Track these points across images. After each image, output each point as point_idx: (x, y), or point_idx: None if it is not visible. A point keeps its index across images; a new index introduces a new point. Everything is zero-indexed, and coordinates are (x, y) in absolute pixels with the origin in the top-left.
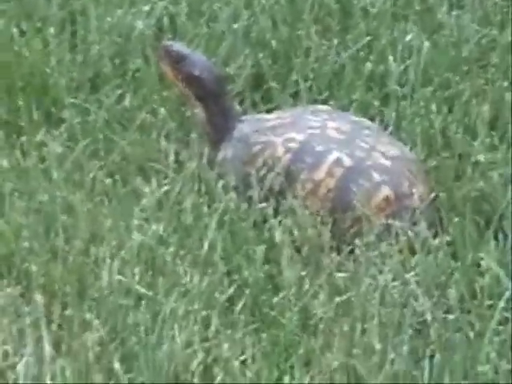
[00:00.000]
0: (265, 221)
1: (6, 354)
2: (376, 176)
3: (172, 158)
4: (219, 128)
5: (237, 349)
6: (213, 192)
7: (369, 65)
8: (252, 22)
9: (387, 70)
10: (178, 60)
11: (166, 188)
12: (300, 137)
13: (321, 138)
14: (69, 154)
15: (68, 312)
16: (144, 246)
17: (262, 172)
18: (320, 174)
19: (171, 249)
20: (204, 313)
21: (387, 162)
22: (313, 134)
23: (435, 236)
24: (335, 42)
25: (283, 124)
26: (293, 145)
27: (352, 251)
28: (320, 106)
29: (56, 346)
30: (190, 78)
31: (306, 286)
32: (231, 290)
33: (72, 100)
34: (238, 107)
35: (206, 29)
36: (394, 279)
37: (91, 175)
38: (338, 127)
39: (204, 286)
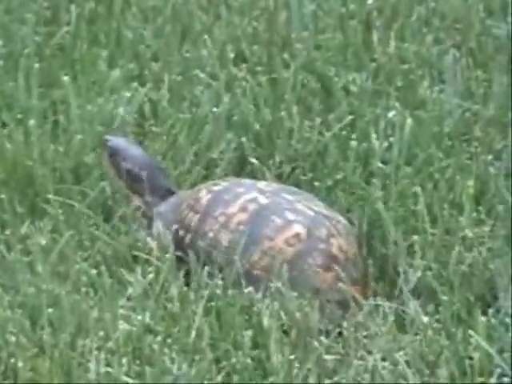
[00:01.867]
0: (251, 305)
1: None
2: (290, 215)
3: (154, 245)
4: (157, 207)
5: None
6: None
7: (352, 143)
8: (234, 105)
9: (370, 148)
10: (111, 154)
11: (150, 276)
12: (225, 184)
13: (245, 185)
14: (53, 245)
15: None
16: (131, 335)
17: (184, 213)
18: (233, 209)
19: (158, 337)
20: None
21: (309, 211)
22: (235, 184)
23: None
24: (318, 121)
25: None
26: (215, 188)
27: (340, 333)
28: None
29: None
30: (124, 171)
31: (295, 370)
32: (220, 378)
33: (55, 194)
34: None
35: (187, 114)
36: (383, 359)
37: (76, 267)
38: (268, 184)
39: (192, 374)
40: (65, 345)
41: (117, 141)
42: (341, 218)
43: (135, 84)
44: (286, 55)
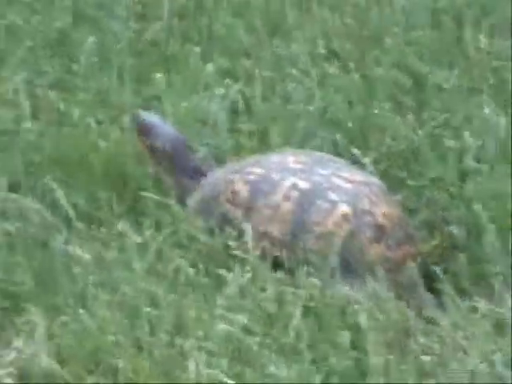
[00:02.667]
0: (348, 305)
1: None
2: (333, 195)
3: (251, 244)
4: (183, 186)
5: None
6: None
7: (446, 141)
8: (327, 102)
9: (464, 146)
10: (144, 131)
11: (248, 275)
12: (258, 170)
13: (276, 169)
14: (149, 244)
15: None
16: (229, 336)
17: (225, 207)
18: (276, 198)
19: (257, 338)
20: None
21: (346, 185)
22: (267, 167)
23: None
24: (411, 119)
25: (247, 163)
26: (251, 177)
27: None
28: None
29: None
30: (153, 149)
31: (393, 371)
32: (318, 379)
33: (151, 192)
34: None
35: (280, 110)
36: (481, 362)
37: (174, 265)
38: (297, 159)
39: (292, 375)
40: (164, 344)
41: (147, 117)
42: (374, 180)
43: (228, 80)
44: (377, 52)
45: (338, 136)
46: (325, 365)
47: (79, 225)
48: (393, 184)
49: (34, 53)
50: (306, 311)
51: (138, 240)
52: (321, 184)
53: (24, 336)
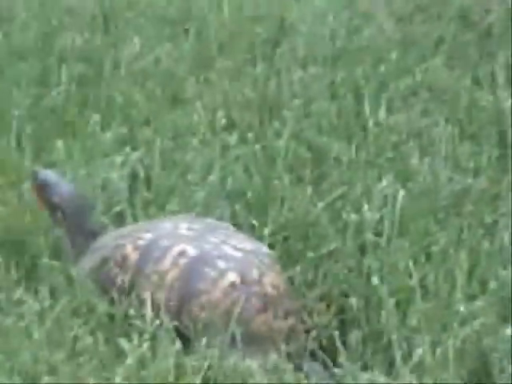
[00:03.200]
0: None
1: None
2: (221, 264)
3: (149, 312)
4: (79, 245)
5: None
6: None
7: (344, 214)
8: (227, 172)
9: (363, 219)
10: (42, 189)
11: (146, 345)
12: (148, 236)
13: (166, 234)
14: (48, 311)
15: None
16: None
17: (114, 272)
18: (164, 265)
19: None
20: None
21: (236, 253)
22: (158, 233)
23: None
24: (309, 191)
25: (138, 228)
26: (141, 242)
27: None
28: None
29: None
30: (51, 207)
31: None
32: None
33: (50, 259)
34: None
35: (180, 180)
36: None
37: (72, 334)
38: (190, 226)
39: None
40: None
41: (46, 174)
42: (264, 249)
43: (127, 148)
44: (276, 123)
45: (238, 207)
46: None
47: None
48: (291, 256)
49: None
50: (206, 381)
51: (37, 307)
52: (210, 251)
53: None
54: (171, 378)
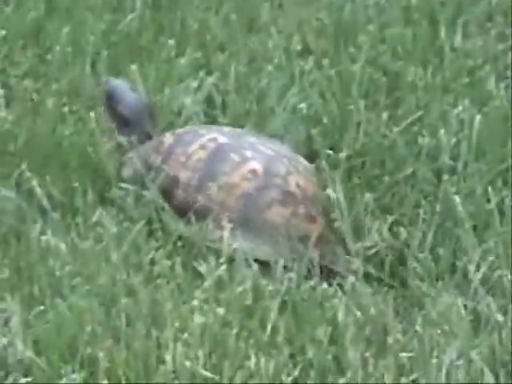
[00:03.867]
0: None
1: None
2: (248, 153)
3: (226, 235)
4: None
5: None
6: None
7: (420, 139)
8: (302, 97)
9: (439, 143)
10: (107, 95)
11: (223, 267)
12: (189, 127)
13: (210, 128)
14: (125, 234)
15: None
16: (206, 328)
17: (149, 155)
18: (193, 147)
19: (234, 330)
20: None
21: (267, 150)
22: (202, 127)
23: None
24: (385, 116)
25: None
26: (179, 130)
27: (415, 330)
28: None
29: None
30: (115, 114)
31: (371, 368)
32: (296, 372)
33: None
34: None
35: (255, 105)
36: (458, 358)
37: (149, 257)
38: (233, 129)
39: (269, 368)
40: (141, 335)
41: (114, 83)
42: (303, 160)
43: (202, 73)
44: (351, 49)
45: (313, 132)
46: (302, 359)
47: (54, 215)
48: (367, 181)
49: (7, 43)
50: (284, 305)
51: (114, 230)
52: (241, 143)
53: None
54: (249, 301)
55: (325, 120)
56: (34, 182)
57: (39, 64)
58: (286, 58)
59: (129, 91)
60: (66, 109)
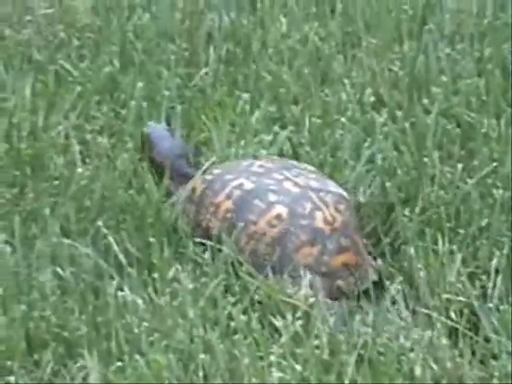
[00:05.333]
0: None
1: None
2: (272, 197)
3: (303, 291)
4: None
5: None
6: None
7: (494, 191)
8: (376, 149)
9: None
10: (144, 140)
11: (299, 322)
12: (217, 171)
13: (235, 170)
14: (202, 289)
15: None
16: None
17: (184, 205)
18: (220, 197)
19: None
20: None
21: (294, 189)
22: (230, 169)
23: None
24: (459, 167)
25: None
26: (208, 177)
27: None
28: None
29: None
30: (152, 161)
31: None
32: None
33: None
34: None
35: (329, 158)
36: None
37: (226, 312)
38: (264, 164)
39: None
40: None
41: (153, 129)
42: (331, 189)
43: (276, 127)
44: (425, 100)
45: (388, 184)
46: None
47: (131, 270)
48: (442, 233)
49: (83, 98)
50: (360, 359)
51: (190, 286)
52: (266, 186)
53: (79, 382)
54: (325, 356)
55: (399, 172)
56: (111, 238)
57: (114, 119)
58: (359, 110)
59: (162, 138)
60: (141, 164)
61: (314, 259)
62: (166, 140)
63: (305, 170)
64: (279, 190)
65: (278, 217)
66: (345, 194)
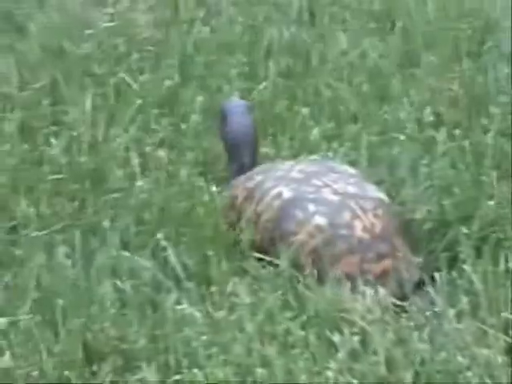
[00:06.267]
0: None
1: None
2: (311, 207)
3: (360, 307)
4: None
5: None
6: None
7: None
8: (434, 168)
9: None
10: (220, 114)
11: (357, 338)
12: (258, 177)
13: (275, 176)
14: (260, 304)
15: None
16: None
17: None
18: (260, 207)
19: None
20: None
21: (333, 197)
22: (270, 175)
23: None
24: None
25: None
26: (249, 185)
27: None
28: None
29: None
30: (222, 134)
31: None
32: None
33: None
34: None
35: (387, 176)
36: None
37: (284, 327)
38: (303, 169)
39: None
40: None
41: (230, 105)
42: (370, 194)
43: (335, 144)
44: (483, 119)
45: (445, 202)
46: None
47: (189, 284)
48: (500, 251)
49: (143, 111)
50: (418, 376)
51: (248, 300)
52: (304, 194)
53: None
54: (382, 372)
55: (457, 191)
56: (170, 252)
57: (174, 132)
58: (418, 129)
59: (239, 115)
60: (200, 178)
61: (356, 268)
62: (241, 119)
63: (345, 172)
64: (318, 198)
65: (318, 227)
66: (383, 197)
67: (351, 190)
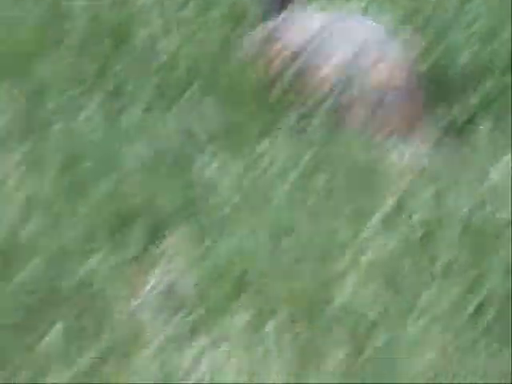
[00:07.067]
0: None
1: None
2: (336, 42)
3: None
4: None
5: None
6: None
7: None
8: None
9: None
10: None
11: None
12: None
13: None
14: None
15: None
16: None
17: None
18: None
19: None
20: None
21: (358, 36)
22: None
23: None
24: None
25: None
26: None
27: None
28: None
29: None
30: None
31: None
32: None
33: None
34: None
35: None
36: None
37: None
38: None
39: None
40: None
41: None
42: (393, 43)
43: None
44: None
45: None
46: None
47: (216, 147)
48: None
49: None
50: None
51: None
52: (332, 31)
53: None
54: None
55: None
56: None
57: None
58: None
59: None
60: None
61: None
62: None
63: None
64: (345, 35)
65: (340, 64)
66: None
67: (377, 36)
